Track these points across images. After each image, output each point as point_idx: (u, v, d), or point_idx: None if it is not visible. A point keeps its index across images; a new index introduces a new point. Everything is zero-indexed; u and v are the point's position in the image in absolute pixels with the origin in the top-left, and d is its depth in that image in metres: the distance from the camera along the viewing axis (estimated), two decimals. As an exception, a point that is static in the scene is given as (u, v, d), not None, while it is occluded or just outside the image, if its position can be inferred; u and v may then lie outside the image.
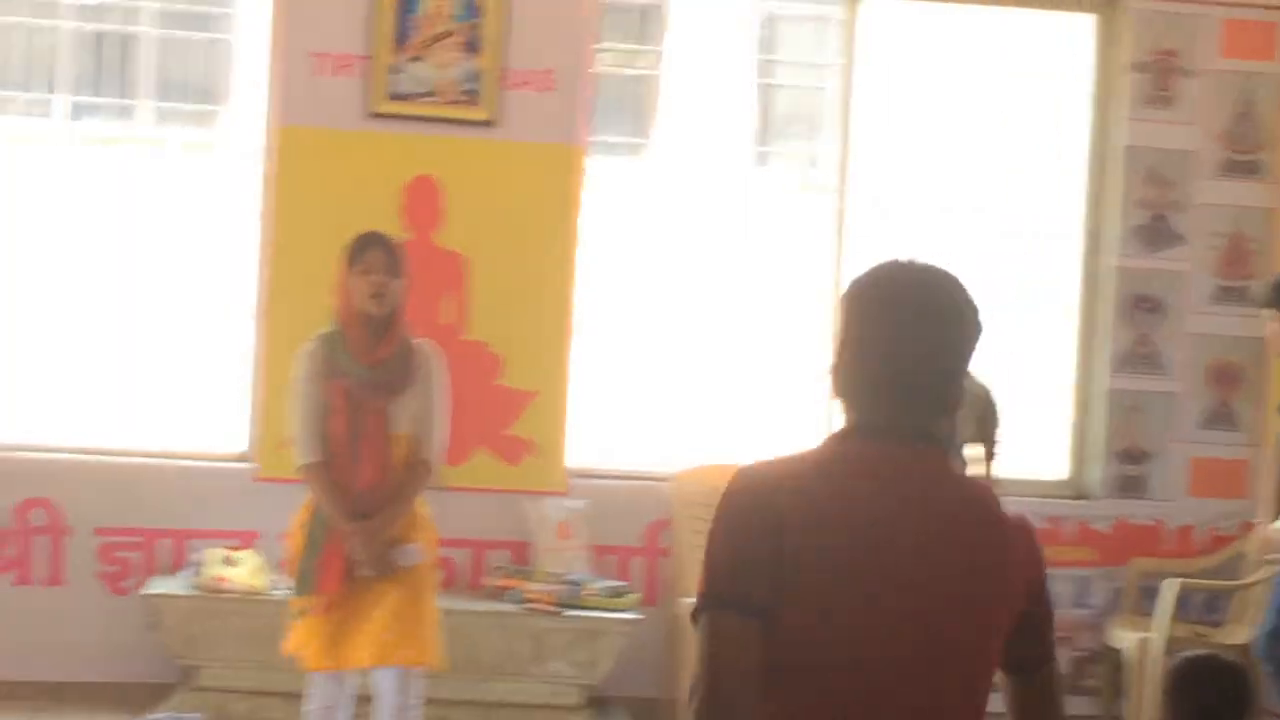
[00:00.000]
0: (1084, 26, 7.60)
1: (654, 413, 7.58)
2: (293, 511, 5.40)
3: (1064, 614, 7.24)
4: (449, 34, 6.98)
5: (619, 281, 7.57)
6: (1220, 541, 7.44)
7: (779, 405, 7.50)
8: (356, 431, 5.26)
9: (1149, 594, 7.19)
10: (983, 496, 2.66)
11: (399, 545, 5.29)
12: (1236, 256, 7.49)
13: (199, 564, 6.65)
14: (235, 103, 7.87)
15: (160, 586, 6.69)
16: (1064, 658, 7.34)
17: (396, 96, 6.98)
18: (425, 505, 5.44)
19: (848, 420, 2.66)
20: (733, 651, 2.50)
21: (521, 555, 7.01)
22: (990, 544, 2.60)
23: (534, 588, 6.73)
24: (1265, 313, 6.40)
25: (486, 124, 7.01)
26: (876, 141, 7.48)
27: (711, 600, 2.54)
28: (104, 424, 7.27)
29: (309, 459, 5.29)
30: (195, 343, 7.45)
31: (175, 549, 6.90)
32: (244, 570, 6.60)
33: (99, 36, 8.17)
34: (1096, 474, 7.50)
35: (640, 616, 6.77)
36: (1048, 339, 7.66)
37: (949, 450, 2.77)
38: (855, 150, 7.41)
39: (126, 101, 8.20)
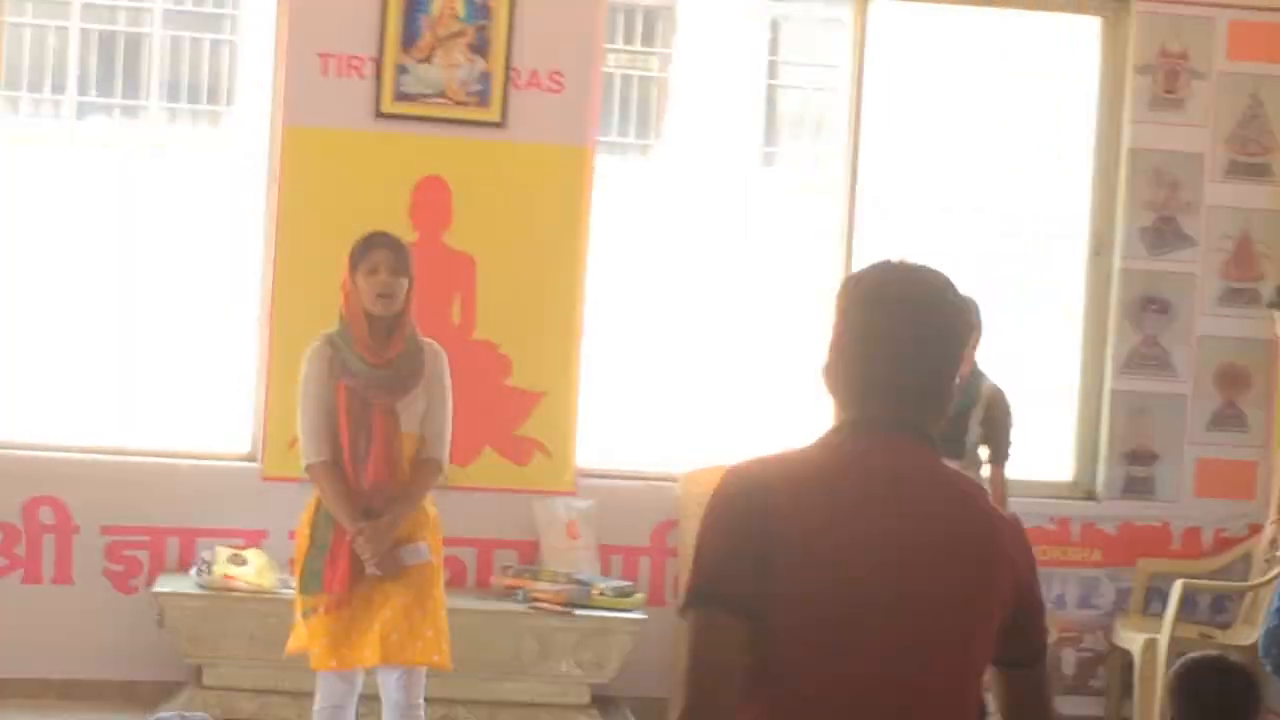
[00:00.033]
0: (1090, 29, 7.60)
1: (662, 413, 7.58)
2: (300, 511, 5.39)
3: (1070, 615, 7.31)
4: (457, 35, 6.99)
5: (628, 282, 7.57)
6: (1227, 543, 7.44)
7: (786, 405, 7.50)
8: (363, 431, 5.24)
9: (1156, 595, 7.20)
10: (973, 494, 2.68)
11: (406, 544, 5.29)
12: (1244, 259, 7.49)
13: (207, 563, 6.65)
14: (242, 103, 7.89)
15: (168, 585, 6.68)
16: (1070, 658, 7.36)
17: (404, 97, 6.97)
18: (433, 504, 5.44)
19: (839, 418, 2.68)
20: (718, 647, 2.54)
21: (529, 555, 7.01)
22: (979, 541, 2.62)
23: (542, 587, 6.73)
24: (1277, 314, 6.39)
25: (495, 125, 7.01)
26: (884, 143, 7.48)
27: (699, 596, 2.58)
28: (112, 423, 7.28)
29: (316, 458, 5.27)
30: (202, 342, 7.47)
31: (183, 548, 6.90)
32: (252, 569, 6.59)
33: (106, 37, 8.19)
34: (1103, 475, 7.50)
35: (647, 616, 6.76)
36: (1055, 340, 7.66)
37: (954, 451, 2.78)
38: (863, 151, 7.41)
39: (134, 101, 8.22)
